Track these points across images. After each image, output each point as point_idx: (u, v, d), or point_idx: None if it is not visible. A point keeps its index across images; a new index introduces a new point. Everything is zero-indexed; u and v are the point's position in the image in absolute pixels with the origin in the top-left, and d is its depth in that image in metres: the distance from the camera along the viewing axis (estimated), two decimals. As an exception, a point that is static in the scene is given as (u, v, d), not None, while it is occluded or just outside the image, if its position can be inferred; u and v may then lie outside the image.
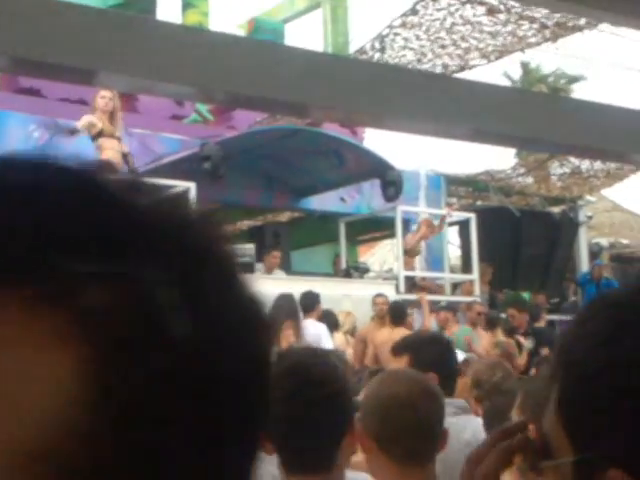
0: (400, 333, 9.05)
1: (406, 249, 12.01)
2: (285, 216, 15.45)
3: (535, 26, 9.11)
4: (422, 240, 12.38)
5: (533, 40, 9.26)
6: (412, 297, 11.17)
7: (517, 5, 8.99)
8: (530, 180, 14.29)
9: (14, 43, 1.11)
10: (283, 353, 1.90)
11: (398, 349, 3.23)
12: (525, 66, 30.07)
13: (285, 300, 8.80)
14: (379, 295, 9.93)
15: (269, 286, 10.14)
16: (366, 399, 2.27)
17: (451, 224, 13.83)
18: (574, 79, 29.83)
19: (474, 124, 1.97)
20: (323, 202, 13.41)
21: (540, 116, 2.01)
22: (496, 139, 2.41)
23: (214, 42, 1.66)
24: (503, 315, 10.58)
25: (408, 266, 11.98)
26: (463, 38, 9.55)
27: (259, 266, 10.82)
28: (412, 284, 11.88)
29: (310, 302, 9.01)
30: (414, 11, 9.38)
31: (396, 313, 9.22)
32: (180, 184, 10.42)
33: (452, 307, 10.73)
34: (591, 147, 2.19)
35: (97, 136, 9.91)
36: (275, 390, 1.77)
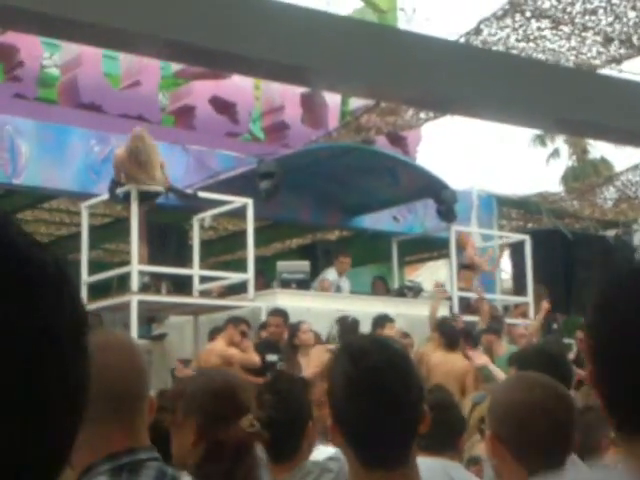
0: (454, 358, 8.98)
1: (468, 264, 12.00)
2: (334, 234, 15.44)
3: (599, 41, 9.03)
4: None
5: (598, 62, 9.18)
6: (467, 318, 11.09)
7: (580, 21, 8.96)
8: (583, 203, 14.14)
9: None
10: (358, 352, 1.81)
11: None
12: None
13: (346, 322, 8.90)
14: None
15: (324, 303, 10.18)
16: (497, 405, 2.24)
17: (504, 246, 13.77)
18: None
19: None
20: (375, 221, 13.40)
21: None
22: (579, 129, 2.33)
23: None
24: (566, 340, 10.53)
25: (468, 283, 11.84)
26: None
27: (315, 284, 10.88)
28: (466, 304, 11.78)
29: (374, 323, 9.10)
30: (478, 31, 9.35)
31: (450, 338, 9.14)
32: (238, 200, 10.49)
33: (494, 329, 10.49)
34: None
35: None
36: (358, 389, 1.72)
